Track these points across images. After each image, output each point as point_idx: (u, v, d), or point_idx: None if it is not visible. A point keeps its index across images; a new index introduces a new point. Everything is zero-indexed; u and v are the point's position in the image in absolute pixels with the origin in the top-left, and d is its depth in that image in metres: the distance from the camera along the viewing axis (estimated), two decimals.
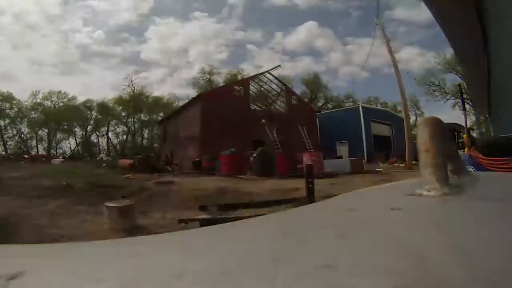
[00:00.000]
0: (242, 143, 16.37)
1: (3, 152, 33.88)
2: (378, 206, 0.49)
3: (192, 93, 37.05)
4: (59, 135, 41.33)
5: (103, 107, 41.08)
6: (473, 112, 22.05)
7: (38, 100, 39.72)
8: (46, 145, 40.12)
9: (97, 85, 56.44)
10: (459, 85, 18.41)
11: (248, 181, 9.27)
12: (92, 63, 55.50)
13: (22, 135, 39.45)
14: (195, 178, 10.53)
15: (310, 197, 4.25)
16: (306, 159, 11.13)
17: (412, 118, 30.02)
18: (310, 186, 4.29)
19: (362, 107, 27.28)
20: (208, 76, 41.54)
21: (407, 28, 55.62)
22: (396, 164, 18.15)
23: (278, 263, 0.27)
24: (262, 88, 24.07)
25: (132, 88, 41.77)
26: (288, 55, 64.95)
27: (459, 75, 29.15)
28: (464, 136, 9.57)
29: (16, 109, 38.41)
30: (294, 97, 25.14)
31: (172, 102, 42.33)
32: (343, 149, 24.85)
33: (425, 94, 36.03)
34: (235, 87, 22.65)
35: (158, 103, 42.45)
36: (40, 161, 21.29)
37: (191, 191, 6.77)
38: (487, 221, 0.37)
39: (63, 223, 3.77)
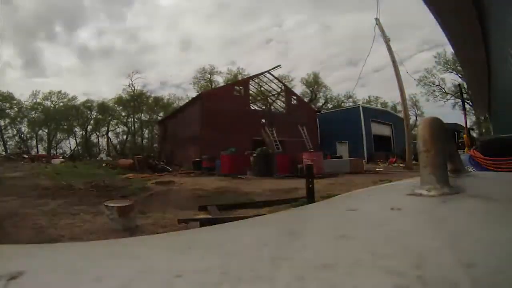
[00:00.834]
0: (242, 143, 16.38)
1: (3, 152, 33.87)
2: (378, 206, 0.49)
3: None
4: (59, 135, 41.36)
5: (103, 107, 41.10)
6: (473, 112, 22.05)
7: (38, 100, 39.76)
8: (46, 145, 40.15)
9: None
10: (459, 85, 18.42)
11: (248, 181, 9.27)
12: None
13: (22, 135, 39.48)
14: (195, 178, 10.54)
15: (310, 197, 4.25)
16: (306, 159, 11.12)
17: (412, 118, 30.07)
18: (310, 186, 4.29)
19: (362, 107, 27.29)
20: (208, 76, 41.57)
21: None
22: (396, 164, 18.16)
23: (278, 263, 0.27)
24: (262, 88, 24.07)
25: (132, 88, 41.81)
26: None
27: (459, 75, 29.17)
28: (464, 136, 9.56)
29: (16, 109, 38.42)
30: (294, 97, 25.14)
31: (172, 102, 42.37)
32: (343, 149, 24.84)
33: (425, 94, 36.03)
34: (235, 87, 22.65)
35: (158, 103, 42.47)
36: (40, 161, 21.30)
37: (191, 191, 6.78)
38: (487, 221, 0.37)
39: (63, 223, 3.77)
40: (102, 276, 0.26)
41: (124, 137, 43.56)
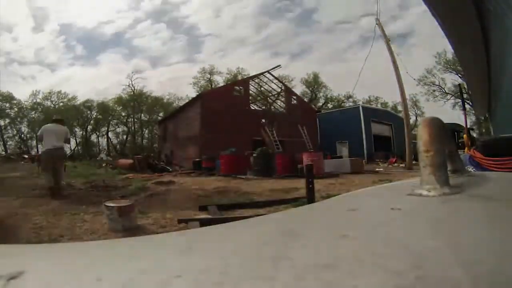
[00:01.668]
0: (242, 143, 16.38)
1: (3, 152, 33.88)
2: (378, 206, 0.49)
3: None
4: None
5: (103, 107, 41.10)
6: (473, 112, 22.04)
7: (38, 100, 39.77)
8: None
9: None
10: (459, 85, 18.42)
11: (248, 181, 9.27)
12: None
13: (22, 135, 39.49)
14: (195, 178, 10.53)
15: (310, 197, 4.25)
16: (306, 159, 11.12)
17: (412, 118, 30.07)
18: (310, 186, 4.29)
19: (362, 107, 27.30)
20: (209, 76, 41.57)
21: None
22: (396, 164, 18.16)
23: (278, 263, 0.27)
24: (262, 88, 24.07)
25: (132, 88, 41.82)
26: None
27: (459, 75, 29.17)
28: (464, 136, 9.56)
29: (16, 109, 38.43)
30: (294, 97, 25.14)
31: (172, 102, 42.37)
32: (343, 149, 24.85)
33: (425, 94, 36.04)
34: (235, 87, 22.66)
35: (158, 103, 42.47)
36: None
37: (191, 191, 6.78)
38: (487, 221, 0.37)
39: (63, 223, 3.77)
40: (102, 276, 0.26)
41: (124, 137, 43.60)
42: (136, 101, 40.97)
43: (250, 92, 23.19)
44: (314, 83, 42.08)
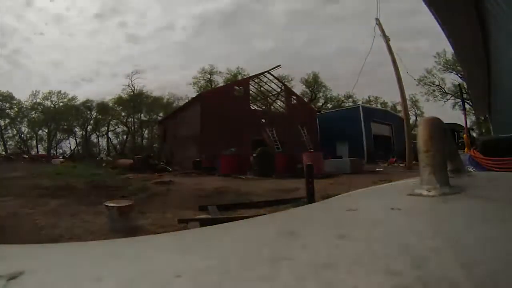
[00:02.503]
0: (242, 143, 16.37)
1: (3, 152, 33.89)
2: (378, 206, 0.49)
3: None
4: (59, 135, 41.35)
5: (103, 107, 41.10)
6: (473, 112, 22.04)
7: (38, 100, 39.77)
8: (46, 145, 40.14)
9: None
10: (459, 85, 18.42)
11: (248, 181, 9.27)
12: None
13: (22, 135, 39.49)
14: (195, 178, 10.53)
15: (310, 197, 4.25)
16: (306, 159, 11.12)
17: (412, 118, 30.06)
18: (310, 186, 4.29)
19: (362, 107, 27.29)
20: (208, 76, 41.54)
21: None
22: (396, 164, 18.15)
23: (278, 263, 0.27)
24: (262, 88, 24.06)
25: (132, 88, 41.81)
26: None
27: (459, 75, 29.17)
28: (464, 136, 9.57)
29: (16, 109, 38.42)
30: (294, 97, 25.14)
31: (172, 102, 42.34)
32: (343, 149, 24.83)
33: (425, 94, 36.03)
34: (235, 87, 22.65)
35: (158, 103, 42.46)
36: (40, 161, 21.31)
37: (191, 191, 6.78)
38: (487, 221, 0.37)
39: (63, 223, 3.77)
40: (102, 276, 0.26)
41: (124, 137, 43.59)
42: (136, 101, 40.91)
43: (250, 92, 23.18)
44: (314, 83, 42.06)
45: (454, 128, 11.99)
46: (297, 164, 11.23)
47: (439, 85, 35.12)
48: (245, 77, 28.13)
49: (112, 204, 3.60)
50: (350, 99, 40.85)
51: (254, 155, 12.17)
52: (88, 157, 31.02)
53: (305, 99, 33.10)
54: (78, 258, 0.34)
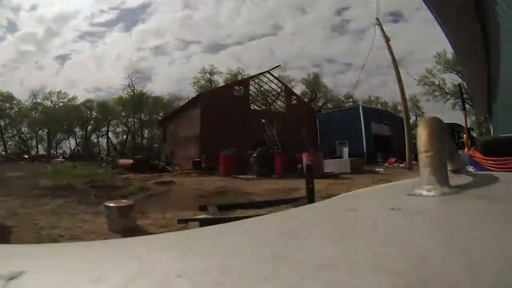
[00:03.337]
0: (242, 143, 16.36)
1: (3, 152, 33.87)
2: (378, 206, 0.49)
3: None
4: (59, 135, 41.33)
5: (103, 107, 41.09)
6: (473, 112, 22.03)
7: (38, 100, 39.76)
8: (46, 145, 40.13)
9: None
10: (459, 85, 18.41)
11: (248, 181, 9.27)
12: None
13: (22, 135, 39.47)
14: (195, 178, 10.53)
15: (310, 197, 4.25)
16: (306, 159, 11.11)
17: (412, 118, 30.05)
18: (310, 186, 4.29)
19: (362, 107, 27.27)
20: (209, 76, 41.52)
21: None
22: (396, 164, 18.15)
23: (278, 263, 0.27)
24: (262, 88, 24.06)
25: (132, 88, 41.80)
26: None
27: (459, 75, 29.16)
28: (464, 136, 9.57)
29: (16, 109, 38.41)
30: (294, 97, 25.13)
31: (172, 102, 42.31)
32: (343, 149, 24.82)
33: (425, 94, 36.04)
34: (235, 87, 22.65)
35: (158, 103, 42.45)
36: (40, 161, 21.32)
37: (191, 191, 6.78)
38: (487, 221, 0.37)
39: (63, 223, 3.77)
40: (102, 276, 0.26)
41: (124, 137, 43.58)
42: (136, 101, 40.88)
43: (250, 92, 23.17)
44: (314, 83, 42.05)
45: (454, 128, 11.98)
46: (297, 164, 11.22)
47: (439, 85, 35.15)
48: (245, 77, 28.11)
49: (112, 204, 3.60)
50: (350, 99, 40.87)
51: (254, 155, 12.16)
52: (88, 157, 31.02)
53: (305, 99, 33.10)
54: (78, 258, 0.34)
